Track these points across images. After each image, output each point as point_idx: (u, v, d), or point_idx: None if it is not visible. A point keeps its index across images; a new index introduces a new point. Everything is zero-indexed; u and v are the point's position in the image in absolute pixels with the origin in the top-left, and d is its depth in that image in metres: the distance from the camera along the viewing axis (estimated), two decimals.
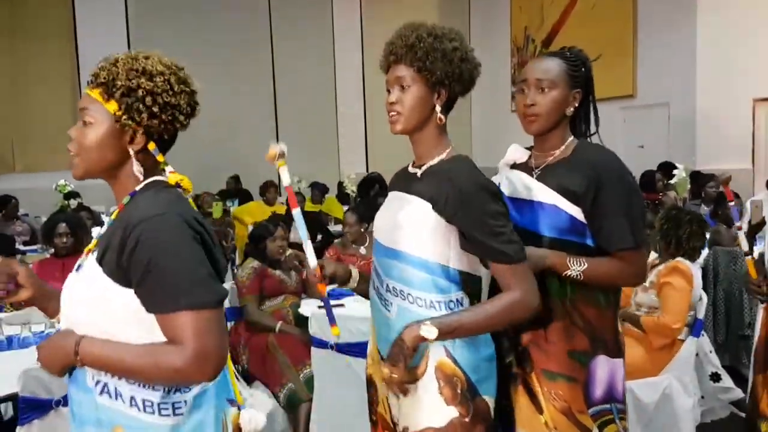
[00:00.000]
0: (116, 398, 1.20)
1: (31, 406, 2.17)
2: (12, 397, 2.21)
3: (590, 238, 1.58)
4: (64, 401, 2.19)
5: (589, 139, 1.73)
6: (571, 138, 1.67)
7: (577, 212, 1.57)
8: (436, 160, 1.53)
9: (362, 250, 3.90)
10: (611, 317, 1.63)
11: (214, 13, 9.19)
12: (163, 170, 1.30)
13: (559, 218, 1.58)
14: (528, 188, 1.64)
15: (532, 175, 1.65)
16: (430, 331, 1.39)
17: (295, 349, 3.12)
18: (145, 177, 1.27)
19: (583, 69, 1.66)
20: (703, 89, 7.51)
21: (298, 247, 4.44)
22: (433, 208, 1.45)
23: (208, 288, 1.18)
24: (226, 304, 3.70)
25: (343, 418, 2.66)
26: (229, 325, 3.50)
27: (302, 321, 3.16)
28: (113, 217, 1.27)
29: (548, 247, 1.59)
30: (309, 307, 3.19)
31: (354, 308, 3.02)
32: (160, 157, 1.28)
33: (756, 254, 2.30)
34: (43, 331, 2.84)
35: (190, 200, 1.30)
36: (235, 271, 4.37)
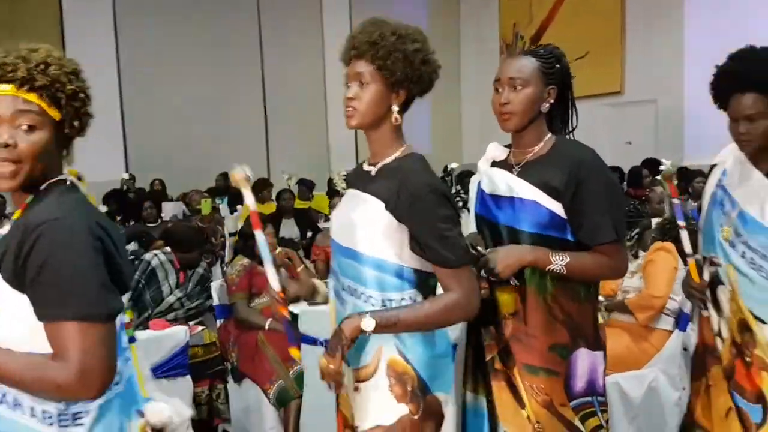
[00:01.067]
0: (15, 409, 1.15)
1: None
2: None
3: (570, 233, 1.60)
4: None
5: (570, 135, 1.75)
6: (549, 135, 1.69)
7: (557, 207, 1.58)
8: (390, 159, 1.52)
9: None
10: (590, 310, 1.66)
11: (202, 13, 9.15)
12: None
13: (539, 214, 1.60)
14: (509, 185, 1.65)
15: (512, 173, 1.67)
16: (368, 323, 1.40)
17: (284, 347, 3.11)
18: (49, 176, 1.22)
19: (557, 65, 1.67)
20: (691, 85, 7.57)
21: (288, 244, 4.45)
22: (385, 207, 1.45)
23: (100, 300, 1.13)
24: (216, 301, 3.68)
25: (332, 414, 2.66)
26: (219, 322, 3.49)
27: (292, 318, 3.16)
28: (14, 217, 1.22)
29: (528, 242, 1.61)
30: (298, 305, 3.19)
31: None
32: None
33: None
34: None
35: (91, 197, 1.28)
36: (225, 269, 4.36)
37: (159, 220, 5.86)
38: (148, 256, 3.55)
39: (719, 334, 1.90)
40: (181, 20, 9.02)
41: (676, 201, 2.02)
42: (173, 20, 8.99)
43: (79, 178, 1.27)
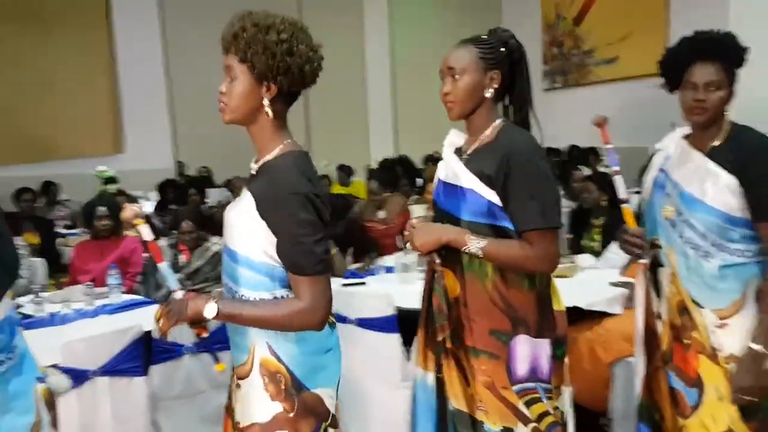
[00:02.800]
0: None
1: (70, 377, 2.31)
2: (53, 367, 2.37)
3: (509, 222, 1.61)
4: (102, 372, 2.36)
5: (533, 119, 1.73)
6: (499, 121, 1.70)
7: (492, 196, 1.61)
8: (271, 156, 1.49)
9: (380, 213, 3.98)
10: (534, 298, 1.66)
11: (247, 3, 9.29)
12: None
13: (477, 202, 1.62)
14: (455, 173, 1.69)
15: (461, 160, 1.70)
16: (210, 310, 1.40)
17: None
18: None
19: (501, 49, 1.67)
20: None
21: None
22: (256, 207, 1.42)
23: None
24: None
25: (361, 386, 2.77)
26: None
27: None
28: None
29: (465, 229, 1.63)
30: (332, 284, 3.30)
31: (374, 287, 3.15)
32: None
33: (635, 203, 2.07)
34: (81, 309, 3.03)
35: None
36: None
37: (203, 206, 6.07)
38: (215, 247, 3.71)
39: (659, 316, 1.92)
40: (225, 12, 9.18)
41: (609, 146, 2.00)
42: (218, 12, 9.16)
43: None
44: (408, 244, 1.70)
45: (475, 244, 1.60)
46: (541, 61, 9.87)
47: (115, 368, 2.37)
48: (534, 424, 1.65)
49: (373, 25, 10.19)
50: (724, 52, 1.81)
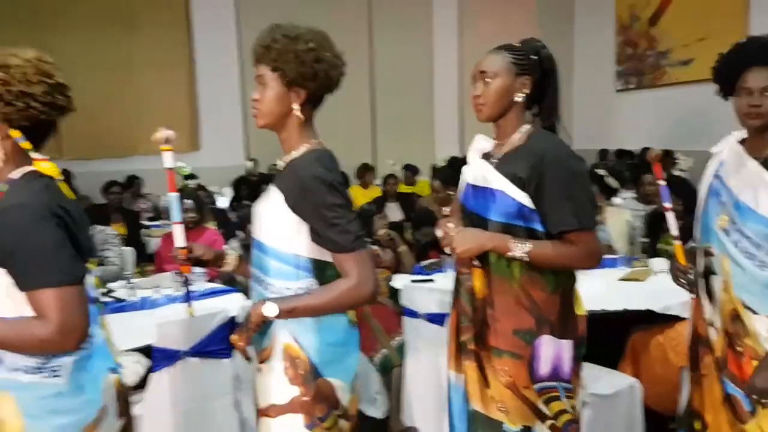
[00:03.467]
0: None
1: (162, 356, 2.48)
2: (146, 348, 2.53)
3: (539, 224, 1.66)
4: (192, 352, 2.53)
5: (563, 128, 1.78)
6: (527, 126, 1.75)
7: (524, 198, 1.65)
8: (298, 155, 1.59)
9: (445, 210, 4.07)
10: (559, 300, 1.71)
11: (315, 5, 9.49)
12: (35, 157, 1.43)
13: (507, 204, 1.67)
14: (484, 176, 1.74)
15: (491, 164, 1.75)
16: (271, 309, 1.52)
17: (388, 318, 3.36)
18: (18, 163, 1.41)
19: (533, 56, 1.73)
20: None
21: (392, 226, 4.69)
22: (285, 200, 1.53)
23: (69, 268, 1.34)
24: None
25: (431, 380, 2.86)
26: None
27: (394, 293, 3.40)
28: None
29: (494, 230, 1.68)
30: (401, 280, 3.42)
31: (442, 283, 3.23)
32: (26, 144, 1.40)
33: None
34: (169, 294, 3.24)
35: (62, 185, 1.45)
36: None
37: None
38: None
39: (712, 324, 1.90)
40: (300, 14, 9.36)
41: (661, 183, 2.02)
42: (292, 12, 9.35)
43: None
44: (448, 249, 1.73)
45: (520, 249, 1.63)
46: (614, 61, 9.69)
47: (204, 349, 2.53)
48: (551, 421, 1.70)
49: (442, 26, 10.21)
50: None
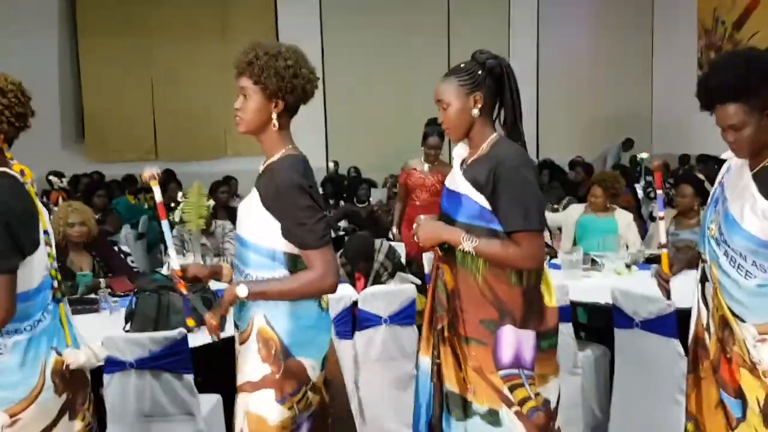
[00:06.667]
0: None
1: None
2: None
3: (498, 224, 1.83)
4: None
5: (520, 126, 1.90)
6: (494, 135, 1.91)
7: (483, 201, 1.83)
8: (275, 159, 1.77)
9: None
10: (521, 294, 1.85)
11: (395, 12, 9.72)
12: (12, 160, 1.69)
13: (470, 207, 1.86)
14: (455, 181, 1.91)
15: (462, 169, 1.93)
16: (242, 291, 1.69)
17: None
18: None
19: (480, 72, 1.85)
20: None
21: None
22: (261, 200, 1.72)
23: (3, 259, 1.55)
24: None
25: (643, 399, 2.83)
26: None
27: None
28: None
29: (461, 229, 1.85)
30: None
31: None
32: (8, 154, 1.68)
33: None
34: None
35: (30, 187, 1.68)
36: None
37: (368, 202, 6.55)
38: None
39: (708, 328, 1.95)
40: (382, 24, 9.63)
41: (660, 192, 2.09)
42: (373, 22, 9.66)
43: (23, 171, 1.69)
44: (415, 237, 1.92)
45: (468, 243, 1.81)
46: (696, 66, 9.48)
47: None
48: (516, 408, 1.84)
49: (519, 27, 10.19)
50: (732, 93, 1.76)
